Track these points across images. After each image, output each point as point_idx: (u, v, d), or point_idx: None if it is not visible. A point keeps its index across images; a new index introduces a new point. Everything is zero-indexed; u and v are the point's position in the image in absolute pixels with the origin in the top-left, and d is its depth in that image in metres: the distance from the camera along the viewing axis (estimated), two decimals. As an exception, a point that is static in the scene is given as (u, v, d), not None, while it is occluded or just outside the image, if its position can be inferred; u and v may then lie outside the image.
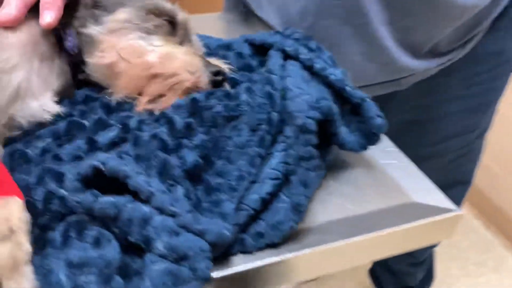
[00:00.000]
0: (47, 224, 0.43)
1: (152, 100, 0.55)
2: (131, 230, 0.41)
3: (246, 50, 0.69)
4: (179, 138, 0.50)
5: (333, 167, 0.57)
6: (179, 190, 0.44)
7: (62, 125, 0.52)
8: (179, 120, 0.51)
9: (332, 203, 0.53)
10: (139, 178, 0.41)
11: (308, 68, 0.58)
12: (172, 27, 0.61)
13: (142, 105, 0.54)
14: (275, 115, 0.52)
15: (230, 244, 0.44)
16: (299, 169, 0.49)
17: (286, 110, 0.51)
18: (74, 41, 0.57)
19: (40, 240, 0.41)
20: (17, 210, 0.40)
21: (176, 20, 0.62)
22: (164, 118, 0.51)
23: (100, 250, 0.40)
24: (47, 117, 0.54)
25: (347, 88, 0.55)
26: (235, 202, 0.46)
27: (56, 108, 0.55)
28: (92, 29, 0.58)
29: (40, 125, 0.53)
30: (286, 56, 0.64)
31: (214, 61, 0.62)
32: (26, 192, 0.44)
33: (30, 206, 0.42)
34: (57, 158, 0.47)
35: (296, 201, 0.47)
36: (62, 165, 0.47)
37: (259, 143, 0.50)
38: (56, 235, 0.42)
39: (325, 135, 0.53)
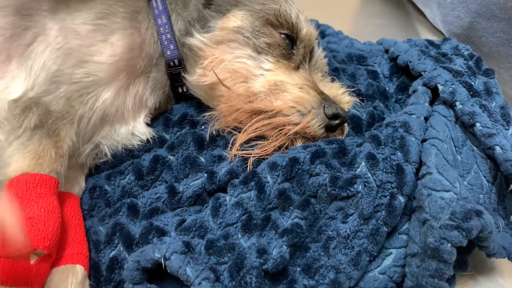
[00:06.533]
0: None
1: (250, 137, 0.45)
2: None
3: (383, 66, 0.52)
4: (268, 210, 0.40)
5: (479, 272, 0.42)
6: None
7: (147, 160, 0.46)
8: (271, 185, 0.40)
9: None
10: (202, 286, 0.33)
11: (466, 126, 0.41)
12: (291, 43, 0.48)
13: (235, 149, 0.44)
14: (400, 201, 0.38)
15: None
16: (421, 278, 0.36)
17: (417, 204, 0.37)
18: (175, 51, 0.49)
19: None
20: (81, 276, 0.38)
21: (299, 35, 0.48)
22: (255, 178, 0.41)
23: None
24: (136, 143, 0.48)
25: (521, 176, 0.37)
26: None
27: (147, 134, 0.48)
28: (196, 39, 0.48)
29: (127, 151, 0.48)
30: (434, 90, 0.47)
31: (335, 89, 0.48)
32: (96, 251, 0.40)
33: (95, 269, 0.39)
34: (134, 209, 0.42)
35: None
36: (136, 220, 0.42)
37: (371, 236, 0.38)
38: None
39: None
